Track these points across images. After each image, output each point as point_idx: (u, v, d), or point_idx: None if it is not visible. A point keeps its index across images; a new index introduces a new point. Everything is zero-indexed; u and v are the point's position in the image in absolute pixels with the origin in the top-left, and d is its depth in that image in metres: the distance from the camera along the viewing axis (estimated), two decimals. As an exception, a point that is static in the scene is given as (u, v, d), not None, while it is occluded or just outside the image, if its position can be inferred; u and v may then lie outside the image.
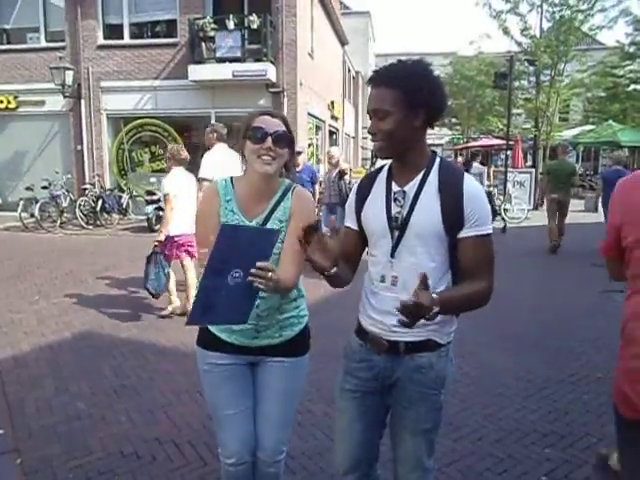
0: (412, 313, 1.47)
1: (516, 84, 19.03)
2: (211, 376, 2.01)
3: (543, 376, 4.03)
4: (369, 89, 1.70)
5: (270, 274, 1.60)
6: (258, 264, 1.57)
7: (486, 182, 16.03)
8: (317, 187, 8.56)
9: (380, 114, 1.61)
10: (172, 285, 5.44)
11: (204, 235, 1.91)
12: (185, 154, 5.32)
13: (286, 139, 1.85)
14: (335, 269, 1.67)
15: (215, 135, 5.46)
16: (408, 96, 1.58)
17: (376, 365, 1.79)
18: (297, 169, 6.52)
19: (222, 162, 4.85)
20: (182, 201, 5.06)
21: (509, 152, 16.97)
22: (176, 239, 5.16)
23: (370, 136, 1.69)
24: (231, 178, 1.97)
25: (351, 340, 1.89)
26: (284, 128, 1.86)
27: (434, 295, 1.51)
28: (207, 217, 1.92)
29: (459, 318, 1.82)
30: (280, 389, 2.00)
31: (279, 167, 1.87)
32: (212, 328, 1.97)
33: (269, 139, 1.80)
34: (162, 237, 5.12)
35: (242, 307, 1.69)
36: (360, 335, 1.85)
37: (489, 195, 14.21)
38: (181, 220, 5.03)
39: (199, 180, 5.20)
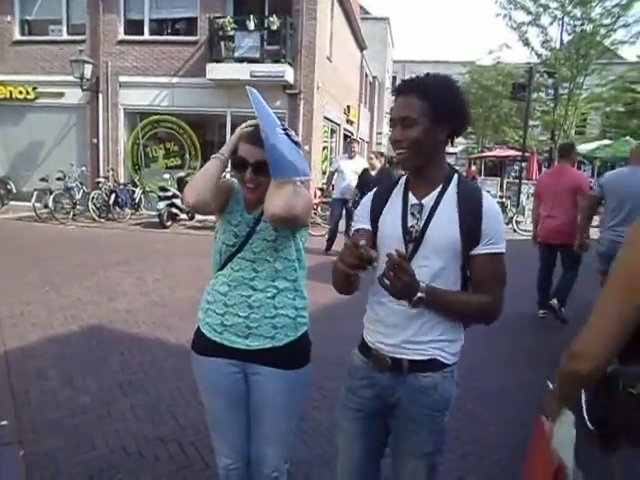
0: (396, 268, 1.46)
1: (534, 96, 18.92)
2: (203, 382, 2.05)
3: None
4: (392, 97, 1.69)
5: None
6: None
7: (499, 193, 15.98)
8: None
9: (408, 122, 1.60)
10: None
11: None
12: None
13: (267, 168, 1.80)
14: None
15: None
16: (436, 109, 1.58)
17: (378, 383, 1.75)
18: None
19: None
20: None
21: (524, 164, 16.88)
22: None
23: (392, 144, 1.66)
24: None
25: (354, 357, 1.85)
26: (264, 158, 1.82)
27: (422, 283, 1.53)
28: (223, 183, 1.99)
29: (468, 332, 1.78)
30: (276, 404, 1.96)
31: (263, 192, 1.83)
32: (203, 329, 2.00)
33: (249, 170, 1.85)
34: None
35: (297, 155, 1.83)
36: (363, 351, 1.81)
37: (502, 206, 14.12)
38: None
39: None
